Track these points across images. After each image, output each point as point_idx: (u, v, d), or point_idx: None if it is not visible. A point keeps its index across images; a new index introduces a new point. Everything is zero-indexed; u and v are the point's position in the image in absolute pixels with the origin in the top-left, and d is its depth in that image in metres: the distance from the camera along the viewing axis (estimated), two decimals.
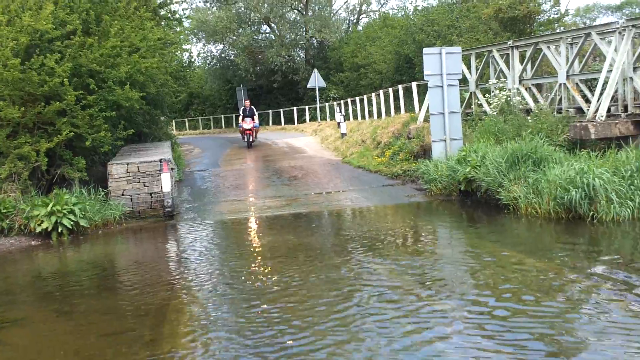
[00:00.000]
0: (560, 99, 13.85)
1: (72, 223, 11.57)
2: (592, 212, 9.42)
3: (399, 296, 6.68)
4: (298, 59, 44.66)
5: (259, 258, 9.23)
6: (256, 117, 25.08)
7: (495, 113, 14.62)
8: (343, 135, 23.53)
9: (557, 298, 6.23)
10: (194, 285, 7.92)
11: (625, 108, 12.16)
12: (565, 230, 9.32)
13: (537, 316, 5.75)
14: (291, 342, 5.61)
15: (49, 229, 11.43)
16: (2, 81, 12.34)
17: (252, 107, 25.42)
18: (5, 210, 11.68)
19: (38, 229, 11.42)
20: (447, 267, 7.87)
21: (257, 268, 8.51)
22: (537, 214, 10.11)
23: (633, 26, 11.98)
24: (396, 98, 22.01)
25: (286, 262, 8.73)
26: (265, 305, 6.72)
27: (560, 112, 13.30)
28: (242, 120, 24.78)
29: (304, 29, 43.70)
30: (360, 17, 48.57)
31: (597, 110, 12.13)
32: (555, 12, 25.02)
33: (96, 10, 14.21)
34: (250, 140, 24.68)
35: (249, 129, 24.63)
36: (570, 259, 7.72)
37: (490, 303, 6.21)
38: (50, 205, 11.54)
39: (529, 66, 15.82)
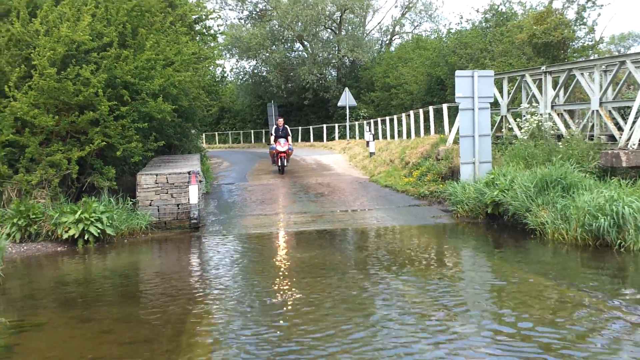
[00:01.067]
0: (593, 126, 13.69)
1: (98, 231, 11.70)
2: (619, 241, 9.26)
3: (417, 318, 6.60)
4: (330, 77, 44.89)
5: (282, 273, 9.21)
6: (290, 138, 21.37)
7: (525, 137, 14.51)
8: (371, 154, 23.51)
9: (577, 325, 6.12)
10: (215, 297, 7.92)
11: None
12: (592, 257, 9.17)
13: (553, 343, 5.66)
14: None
15: (76, 236, 11.57)
16: (38, 90, 12.57)
17: (286, 126, 21.78)
18: (34, 216, 11.84)
19: (65, 236, 11.56)
20: (468, 291, 7.79)
21: (279, 283, 8.50)
22: (564, 240, 9.98)
23: None
24: (426, 119, 21.96)
25: (309, 279, 8.70)
26: (284, 321, 6.69)
27: (592, 139, 13.14)
28: (275, 141, 20.87)
29: (336, 48, 43.94)
30: (393, 38, 48.75)
31: (629, 139, 11.97)
32: (590, 40, 24.84)
33: (133, 24, 14.44)
34: (285, 164, 21.16)
35: (283, 152, 20.90)
36: (595, 287, 7.59)
37: (507, 329, 6.13)
38: (79, 212, 11.68)
39: (561, 92, 15.69)
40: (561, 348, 5.55)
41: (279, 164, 21.12)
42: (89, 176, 13.44)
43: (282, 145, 20.78)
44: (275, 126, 21.59)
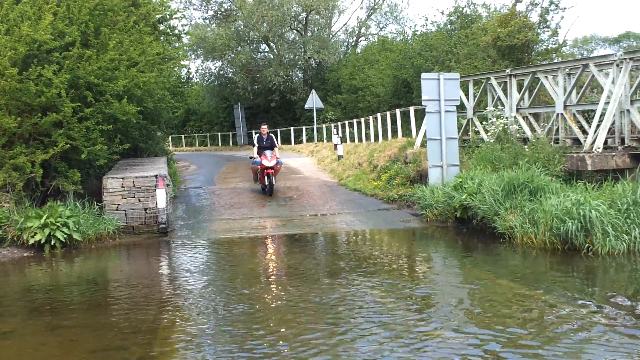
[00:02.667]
0: (558, 129, 13.89)
1: (65, 236, 11.50)
2: (587, 244, 9.39)
3: (387, 321, 6.61)
4: (296, 79, 44.86)
5: (251, 278, 9.15)
6: (277, 150, 17.40)
7: (492, 141, 14.65)
8: (340, 157, 23.54)
9: (545, 327, 6.22)
10: (185, 303, 7.84)
11: (622, 140, 12.20)
12: (561, 261, 9.29)
13: (521, 345, 5.74)
14: None
15: (42, 241, 11.36)
16: None
17: (272, 134, 17.90)
18: None
19: (31, 241, 11.34)
20: (437, 295, 7.85)
21: (248, 288, 8.43)
22: (532, 244, 10.08)
23: (631, 59, 12.06)
24: (393, 122, 22.06)
25: (278, 283, 8.69)
26: (255, 325, 6.64)
27: (557, 142, 13.33)
28: (261, 155, 16.63)
29: (302, 50, 43.91)
30: (359, 40, 48.85)
31: (594, 142, 12.17)
32: (554, 42, 25.18)
33: (95, 23, 14.21)
34: (272, 182, 16.78)
35: (270, 168, 16.61)
36: (563, 290, 7.69)
37: (475, 331, 6.21)
38: (44, 217, 11.47)
39: (526, 95, 15.89)
40: (527, 347, 5.61)
41: (265, 183, 16.83)
42: (53, 180, 13.21)
43: (268, 160, 16.50)
44: (257, 135, 17.59)
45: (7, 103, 12.58)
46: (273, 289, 8.44)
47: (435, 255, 10.85)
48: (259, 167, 16.77)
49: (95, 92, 13.63)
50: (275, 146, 17.30)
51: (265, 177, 16.68)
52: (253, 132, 45.33)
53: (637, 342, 5.78)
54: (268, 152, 16.63)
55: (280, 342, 6.14)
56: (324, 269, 9.52)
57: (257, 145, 17.11)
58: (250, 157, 17.50)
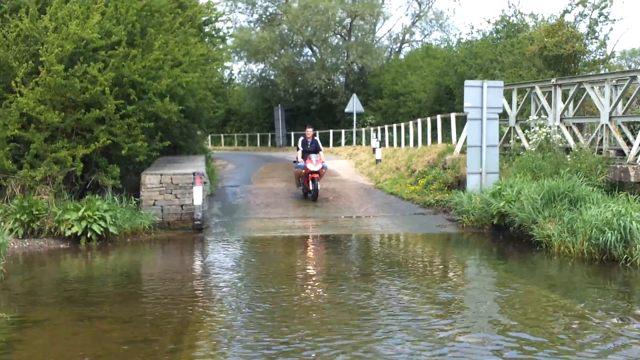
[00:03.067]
0: (601, 140, 13.60)
1: (101, 229, 11.64)
2: (626, 255, 9.17)
3: (418, 326, 6.53)
4: (338, 82, 44.87)
5: (284, 277, 9.14)
6: (322, 154, 16.59)
7: (533, 149, 14.42)
8: (378, 161, 23.43)
9: (577, 337, 6.11)
10: (217, 299, 7.88)
11: None
12: (598, 271, 9.10)
13: (553, 354, 5.63)
14: None
15: (79, 234, 11.51)
16: (44, 86, 12.53)
17: (317, 138, 17.34)
18: (37, 212, 11.77)
19: (68, 233, 11.50)
20: (471, 301, 7.74)
21: (280, 287, 8.41)
22: (570, 253, 9.88)
23: None
24: (434, 128, 21.88)
25: (309, 283, 8.66)
26: (284, 325, 6.62)
27: (601, 153, 13.05)
28: (306, 158, 15.96)
29: (345, 54, 43.95)
30: (403, 46, 48.72)
31: (638, 154, 11.89)
32: (601, 54, 24.72)
33: (142, 23, 14.39)
34: (317, 187, 16.13)
35: (316, 172, 16.00)
36: (599, 301, 7.52)
37: (498, 338, 6.12)
38: (82, 210, 11.63)
39: (571, 105, 15.61)
40: (551, 355, 5.49)
41: (309, 188, 16.27)
42: (93, 174, 13.39)
43: (313, 164, 15.78)
44: (302, 138, 16.87)
45: (52, 98, 12.79)
46: (303, 289, 8.41)
47: (469, 261, 10.71)
48: (302, 171, 16.10)
49: (139, 90, 13.79)
50: (320, 149, 16.56)
51: (310, 182, 16.10)
52: (292, 134, 45.86)
53: None
54: (313, 156, 15.96)
55: (306, 341, 6.10)
56: (356, 271, 9.46)
57: (301, 148, 16.46)
58: (294, 161, 16.74)
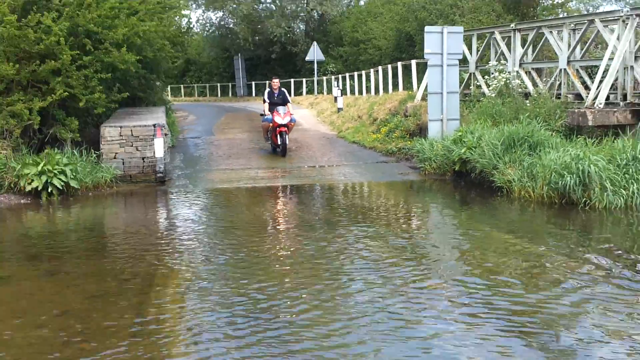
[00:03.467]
0: (560, 85, 13.77)
1: (62, 183, 11.48)
2: (585, 199, 9.39)
3: (383, 273, 6.66)
4: (298, 30, 44.33)
5: (248, 228, 9.17)
6: (290, 105, 15.83)
7: (493, 95, 14.55)
8: (339, 109, 23.40)
9: (534, 276, 6.31)
10: (181, 251, 7.88)
11: (625, 97, 12.11)
12: (557, 214, 9.32)
13: (517, 294, 5.80)
14: (276, 309, 5.58)
15: (39, 189, 11.33)
16: None
17: (283, 89, 16.45)
18: None
19: (28, 188, 11.31)
20: (434, 246, 7.91)
21: (245, 238, 8.45)
22: (530, 197, 10.09)
23: (637, 15, 11.90)
24: (395, 75, 21.88)
25: (273, 233, 8.73)
26: (249, 275, 6.67)
27: (559, 98, 13.23)
28: (273, 111, 15.22)
29: (305, 1, 43.32)
30: None
31: (596, 98, 12.08)
32: None
33: None
34: (286, 142, 15.39)
35: (284, 125, 15.22)
36: (557, 242, 7.75)
37: (464, 279, 6.30)
38: (41, 164, 11.42)
39: (530, 50, 15.70)
40: (515, 295, 5.65)
41: (278, 142, 15.42)
42: (51, 127, 13.13)
43: (281, 117, 14.99)
44: (268, 90, 16.14)
45: (6, 50, 12.44)
46: (268, 239, 8.47)
47: (432, 208, 10.88)
48: (270, 124, 15.38)
49: (95, 40, 13.46)
50: (288, 101, 15.77)
51: (278, 136, 15.28)
52: (253, 83, 45.39)
53: (626, 293, 5.82)
54: (281, 109, 15.15)
55: (268, 291, 6.17)
56: (319, 220, 9.54)
57: (267, 101, 15.64)
58: (261, 114, 15.93)
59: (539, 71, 15.70)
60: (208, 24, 48.10)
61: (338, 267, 6.96)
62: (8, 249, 8.38)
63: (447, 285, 6.22)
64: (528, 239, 7.99)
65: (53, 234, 9.24)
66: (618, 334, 4.97)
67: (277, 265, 7.10)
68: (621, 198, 9.31)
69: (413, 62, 20.08)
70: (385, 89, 22.58)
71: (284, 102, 15.59)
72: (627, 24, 11.91)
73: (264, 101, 15.81)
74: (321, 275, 6.63)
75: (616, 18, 12.48)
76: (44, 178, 11.34)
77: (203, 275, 6.81)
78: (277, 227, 9.35)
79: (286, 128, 15.20)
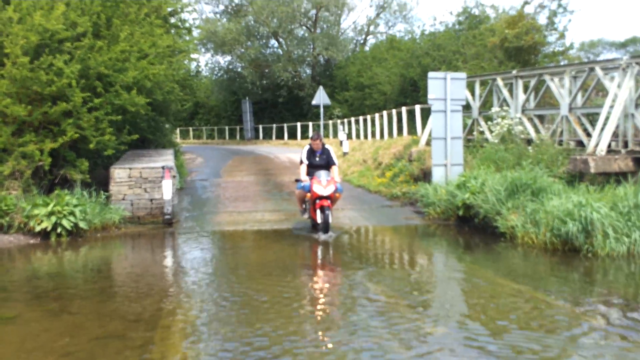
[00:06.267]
0: (562, 131, 13.97)
1: (71, 224, 11.62)
2: (587, 246, 9.46)
3: (387, 317, 6.72)
4: (304, 75, 44.99)
5: (254, 272, 9.24)
6: (336, 169, 12.11)
7: (496, 141, 14.73)
8: (345, 153, 23.63)
9: (541, 325, 6.30)
10: (188, 294, 7.96)
11: (626, 144, 12.29)
12: (560, 261, 9.37)
13: (519, 341, 5.83)
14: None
15: (48, 229, 11.47)
16: (10, 79, 12.43)
17: (328, 147, 12.29)
18: (6, 208, 11.71)
19: (37, 228, 11.45)
20: (438, 291, 7.96)
21: (251, 282, 8.52)
22: (533, 243, 10.16)
23: (637, 63, 12.13)
24: (399, 120, 22.15)
25: (281, 277, 8.78)
26: (257, 319, 6.73)
27: (561, 144, 13.40)
28: (312, 176, 11.70)
29: (311, 46, 44.08)
30: (368, 38, 48.98)
31: (597, 145, 12.24)
32: (560, 45, 25.30)
33: (107, 14, 14.33)
34: (327, 220, 11.40)
35: (326, 197, 11.40)
36: (560, 289, 7.80)
37: (475, 328, 6.29)
38: (51, 205, 11.59)
39: (532, 96, 15.96)
40: (513, 340, 5.70)
41: (320, 220, 11.48)
42: (61, 168, 13.33)
43: (322, 186, 11.38)
44: (307, 148, 12.21)
45: (18, 91, 12.69)
46: (273, 282, 8.52)
47: (436, 252, 10.94)
48: (307, 194, 11.80)
49: (105, 82, 13.75)
50: (334, 163, 12.12)
51: (316, 210, 11.64)
52: (260, 127, 45.77)
53: (626, 344, 5.86)
54: (323, 174, 11.60)
55: (278, 332, 6.24)
56: (326, 264, 9.62)
57: (306, 162, 12.03)
58: (296, 180, 12.39)
59: (541, 118, 15.93)
60: (217, 68, 49.00)
61: (343, 312, 7.03)
62: (16, 289, 8.45)
63: (442, 329, 6.27)
64: (529, 284, 8.05)
65: (61, 275, 9.32)
66: None
67: (281, 309, 7.16)
68: (623, 245, 9.38)
69: (417, 107, 20.35)
70: (390, 134, 22.84)
71: (328, 165, 12.07)
72: (627, 71, 12.13)
73: (301, 162, 12.22)
74: (326, 320, 6.69)
75: (616, 66, 12.73)
76: (53, 219, 11.48)
77: (205, 317, 6.88)
78: (282, 269, 9.40)
79: (329, 201, 11.49)
